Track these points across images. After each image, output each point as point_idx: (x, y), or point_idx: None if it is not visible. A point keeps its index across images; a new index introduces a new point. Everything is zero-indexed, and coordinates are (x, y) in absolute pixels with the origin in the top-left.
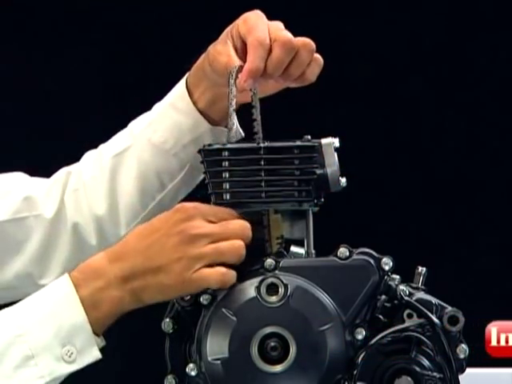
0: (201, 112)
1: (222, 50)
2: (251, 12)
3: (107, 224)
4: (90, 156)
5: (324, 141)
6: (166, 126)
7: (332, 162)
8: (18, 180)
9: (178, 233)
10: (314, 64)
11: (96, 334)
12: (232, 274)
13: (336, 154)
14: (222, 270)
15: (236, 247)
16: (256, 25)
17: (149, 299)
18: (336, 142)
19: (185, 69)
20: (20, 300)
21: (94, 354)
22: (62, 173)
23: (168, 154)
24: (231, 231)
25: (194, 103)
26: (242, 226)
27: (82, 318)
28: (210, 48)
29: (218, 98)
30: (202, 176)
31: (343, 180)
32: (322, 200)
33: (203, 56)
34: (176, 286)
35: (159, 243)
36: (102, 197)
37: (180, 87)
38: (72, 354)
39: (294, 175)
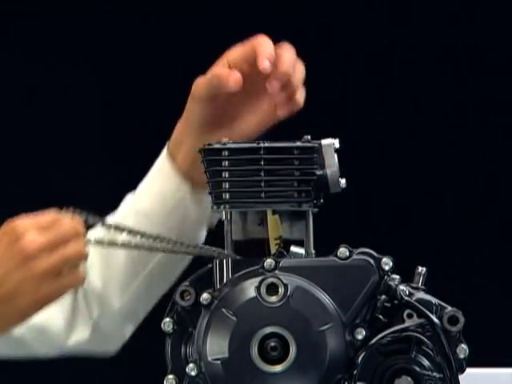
0: (185, 174)
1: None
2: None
3: (103, 299)
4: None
5: (324, 142)
6: (152, 194)
7: (332, 163)
8: None
9: (16, 254)
10: (301, 87)
11: None
12: (84, 272)
13: (336, 155)
14: (77, 273)
15: (79, 248)
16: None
17: (10, 326)
18: (336, 142)
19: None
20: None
21: None
22: None
23: (152, 222)
24: (67, 232)
25: (178, 167)
26: (73, 223)
27: None
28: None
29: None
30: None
31: (343, 181)
32: (322, 201)
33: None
34: (35, 305)
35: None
36: (96, 271)
37: (164, 150)
38: None
39: (293, 176)
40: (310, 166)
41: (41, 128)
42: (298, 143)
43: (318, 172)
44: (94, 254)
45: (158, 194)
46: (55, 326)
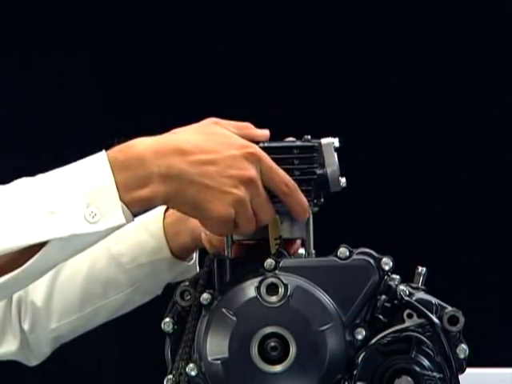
0: (170, 242)
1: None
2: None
3: (41, 315)
4: None
5: (324, 141)
6: (130, 240)
7: (332, 162)
8: None
9: (239, 169)
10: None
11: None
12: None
13: (336, 154)
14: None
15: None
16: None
17: (178, 206)
18: (336, 141)
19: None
20: None
21: (118, 219)
22: None
23: (121, 268)
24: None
25: (166, 232)
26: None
27: (111, 183)
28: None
29: (190, 246)
30: (149, 298)
31: (343, 180)
32: (322, 200)
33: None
34: (212, 214)
35: (216, 166)
36: (41, 288)
37: (158, 211)
38: (95, 215)
39: (293, 175)
40: (309, 165)
41: (40, 122)
42: (298, 142)
43: (318, 171)
44: None
45: (137, 246)
46: None
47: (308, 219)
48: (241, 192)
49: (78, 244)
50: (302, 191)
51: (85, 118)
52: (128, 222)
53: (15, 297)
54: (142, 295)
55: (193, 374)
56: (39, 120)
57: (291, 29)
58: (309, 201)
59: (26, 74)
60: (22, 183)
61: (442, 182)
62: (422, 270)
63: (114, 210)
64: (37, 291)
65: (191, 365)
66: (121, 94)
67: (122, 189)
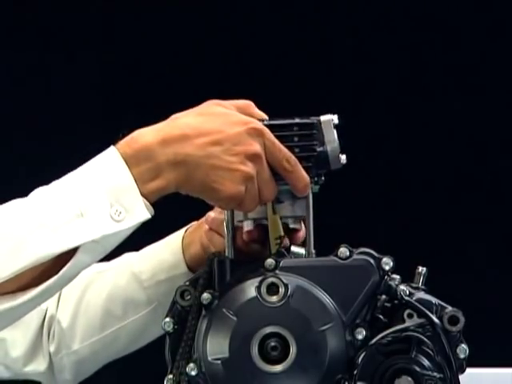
0: (189, 262)
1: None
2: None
3: (65, 335)
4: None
5: (323, 118)
6: (151, 257)
7: (332, 139)
8: None
9: (247, 145)
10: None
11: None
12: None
13: (335, 131)
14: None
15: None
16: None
17: (189, 191)
18: (335, 118)
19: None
20: None
21: (142, 214)
22: None
23: (140, 286)
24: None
25: (185, 249)
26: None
27: (129, 179)
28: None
29: (200, 255)
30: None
31: (343, 157)
32: (323, 179)
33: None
34: (223, 194)
35: (221, 146)
36: (69, 308)
37: (182, 230)
38: (120, 213)
39: (293, 152)
40: (309, 143)
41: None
42: (297, 120)
43: (318, 148)
44: (73, 289)
45: (157, 262)
46: (14, 353)
47: (308, 199)
48: (248, 168)
49: (106, 244)
50: (303, 168)
51: (85, 120)
52: (151, 215)
53: (48, 316)
54: (161, 319)
55: (193, 373)
56: (39, 121)
57: (293, 20)
58: (309, 178)
59: (26, 74)
60: (42, 191)
61: (443, 182)
62: (422, 269)
63: (138, 206)
64: (65, 311)
65: (191, 364)
66: (120, 93)
67: (139, 182)
